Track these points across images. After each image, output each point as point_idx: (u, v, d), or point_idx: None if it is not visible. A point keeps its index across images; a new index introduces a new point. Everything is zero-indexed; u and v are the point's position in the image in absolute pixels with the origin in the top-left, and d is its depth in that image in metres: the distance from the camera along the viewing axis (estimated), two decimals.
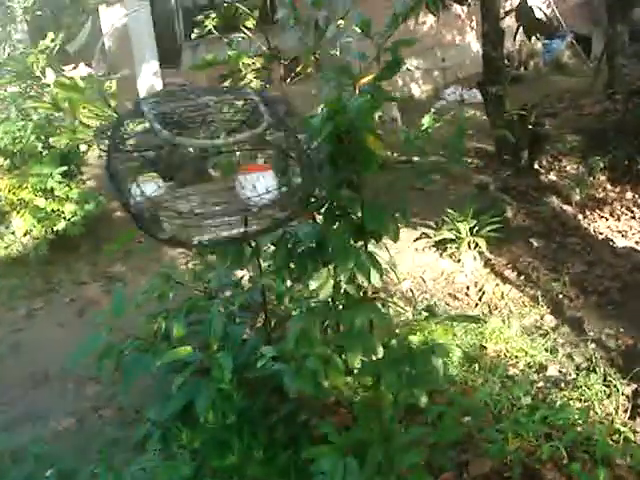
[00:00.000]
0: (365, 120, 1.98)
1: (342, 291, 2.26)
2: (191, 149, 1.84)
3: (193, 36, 2.25)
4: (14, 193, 5.47)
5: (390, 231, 2.18)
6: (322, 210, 2.22)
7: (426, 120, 2.50)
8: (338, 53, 3.17)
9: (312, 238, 2.19)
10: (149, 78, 7.75)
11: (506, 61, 8.09)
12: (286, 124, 1.57)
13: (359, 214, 2.19)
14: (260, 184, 1.38)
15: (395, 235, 2.18)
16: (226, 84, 2.36)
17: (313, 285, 2.26)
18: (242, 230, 1.78)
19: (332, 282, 2.25)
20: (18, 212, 5.63)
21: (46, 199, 5.58)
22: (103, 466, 3.02)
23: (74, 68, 12.83)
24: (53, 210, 5.63)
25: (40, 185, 5.47)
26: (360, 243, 2.24)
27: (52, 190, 5.57)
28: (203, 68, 2.53)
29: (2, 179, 5.51)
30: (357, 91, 2.15)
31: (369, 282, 2.18)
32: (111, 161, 1.62)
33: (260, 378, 2.75)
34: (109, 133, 1.65)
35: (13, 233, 5.73)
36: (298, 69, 2.60)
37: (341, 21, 2.50)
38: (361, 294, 2.30)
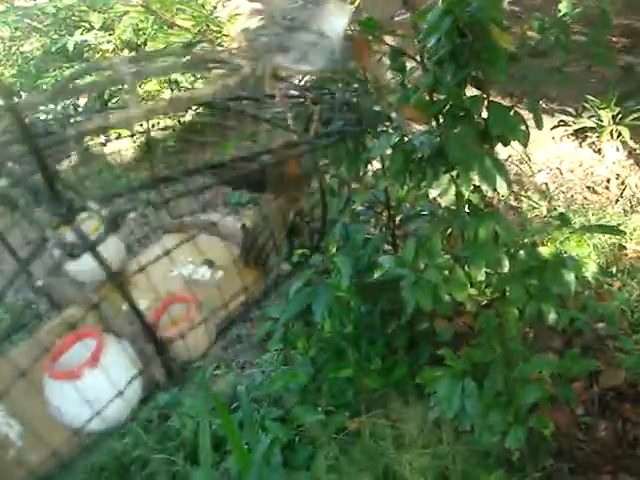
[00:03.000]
0: (490, 11, 1.75)
1: (465, 199, 2.09)
2: None
3: None
4: (140, 86, 5.47)
5: (519, 135, 1.96)
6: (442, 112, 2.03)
7: (563, 5, 2.21)
8: None
9: (430, 144, 2.01)
10: None
11: None
12: None
13: (484, 116, 1.98)
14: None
15: (525, 140, 1.96)
16: None
17: (433, 193, 2.10)
18: None
19: (454, 190, 2.08)
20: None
21: (172, 90, 5.57)
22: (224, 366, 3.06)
23: None
24: None
25: (165, 77, 5.45)
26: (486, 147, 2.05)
27: (177, 82, 5.54)
28: None
29: None
30: None
31: (494, 191, 2.00)
32: None
33: (380, 282, 2.66)
34: None
35: (141, 125, 5.78)
36: None
37: None
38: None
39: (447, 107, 2.00)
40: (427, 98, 2.02)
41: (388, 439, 2.41)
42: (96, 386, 1.25)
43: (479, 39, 1.80)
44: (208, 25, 4.95)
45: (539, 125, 1.99)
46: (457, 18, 1.73)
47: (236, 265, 2.00)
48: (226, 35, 4.88)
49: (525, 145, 2.00)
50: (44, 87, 5.58)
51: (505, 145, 2.06)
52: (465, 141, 1.94)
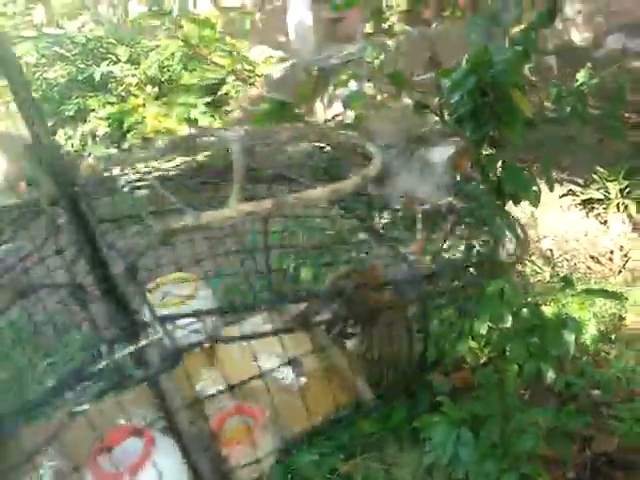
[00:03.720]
0: (512, 75, 1.83)
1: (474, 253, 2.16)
2: None
3: None
4: (159, 121, 5.57)
5: (531, 195, 2.03)
6: None
7: (581, 75, 2.30)
8: None
9: None
10: (299, 11, 7.49)
11: None
12: None
13: (498, 174, 2.05)
14: None
15: (536, 200, 2.03)
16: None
17: (444, 245, 2.16)
18: None
19: (464, 243, 2.14)
20: (162, 140, 5.76)
21: (190, 128, 5.68)
22: None
23: None
24: None
25: (185, 115, 5.56)
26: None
27: (196, 120, 5.65)
28: (340, 10, 2.42)
29: (149, 107, 5.63)
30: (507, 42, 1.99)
31: (503, 247, 2.06)
32: None
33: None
34: None
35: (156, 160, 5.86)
36: (447, 12, 2.43)
37: None
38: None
39: None
40: None
41: None
42: None
43: (500, 100, 1.87)
44: (242, 64, 5.08)
45: (551, 187, 2.06)
46: (480, 78, 1.81)
47: (326, 376, 1.96)
48: (259, 75, 5.00)
49: (536, 205, 2.07)
50: (66, 113, 5.69)
51: (516, 204, 2.12)
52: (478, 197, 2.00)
